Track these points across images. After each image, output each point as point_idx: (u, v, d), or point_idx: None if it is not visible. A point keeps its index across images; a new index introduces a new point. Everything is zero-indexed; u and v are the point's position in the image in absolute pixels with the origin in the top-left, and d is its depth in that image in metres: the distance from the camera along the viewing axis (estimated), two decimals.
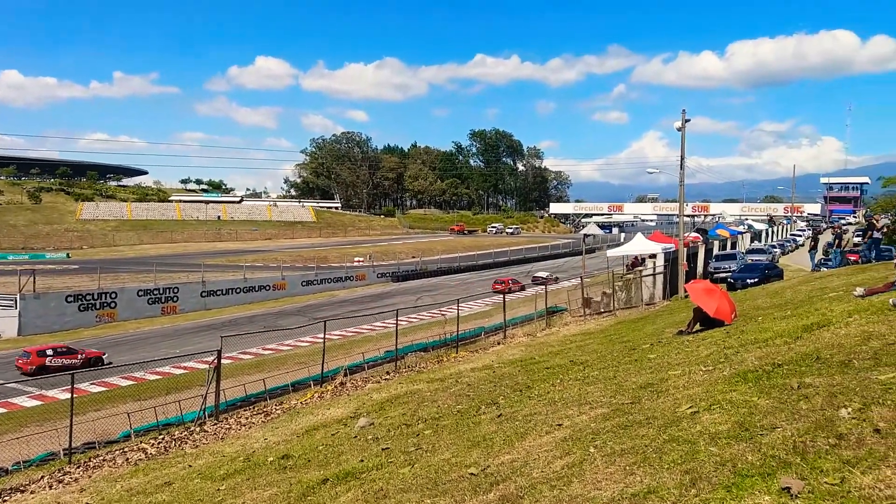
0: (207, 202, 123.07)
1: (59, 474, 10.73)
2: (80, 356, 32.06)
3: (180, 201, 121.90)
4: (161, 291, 48.52)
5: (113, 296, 45.57)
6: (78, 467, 11.09)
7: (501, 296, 28.96)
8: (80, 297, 43.70)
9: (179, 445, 11.69)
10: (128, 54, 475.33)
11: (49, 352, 31.58)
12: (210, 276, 54.42)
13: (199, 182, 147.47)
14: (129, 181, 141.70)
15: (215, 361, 14.27)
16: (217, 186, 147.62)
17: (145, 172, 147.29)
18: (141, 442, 12.71)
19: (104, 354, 33.11)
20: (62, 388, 24.98)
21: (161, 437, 12.73)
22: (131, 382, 29.44)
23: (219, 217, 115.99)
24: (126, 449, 12.09)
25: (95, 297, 44.42)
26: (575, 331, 20.04)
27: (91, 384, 28.69)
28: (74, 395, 13.35)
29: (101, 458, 11.59)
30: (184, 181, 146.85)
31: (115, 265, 63.67)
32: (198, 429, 12.98)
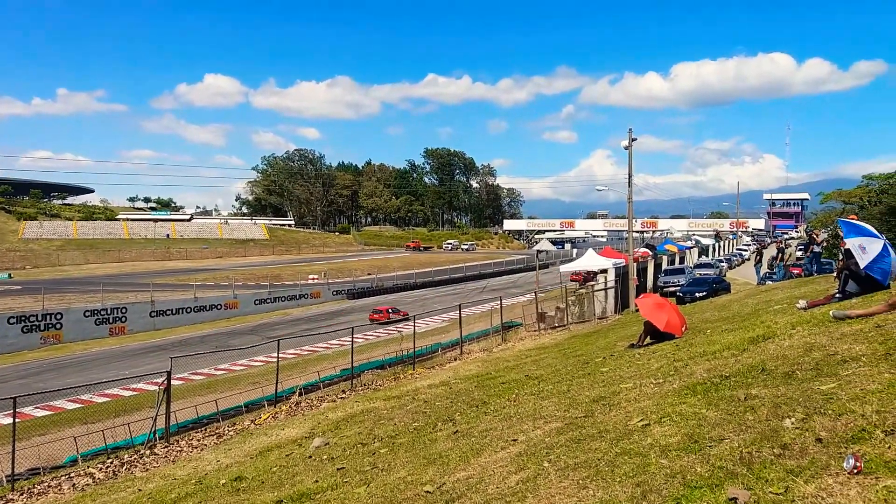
0: (156, 220, 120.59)
1: (2, 503, 10.33)
2: None
3: (128, 220, 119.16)
4: (109, 312, 47.21)
5: (58, 317, 44.15)
6: (21, 494, 10.71)
7: (458, 311, 29.02)
8: (23, 318, 42.23)
9: (129, 469, 11.37)
10: (72, 71, 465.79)
11: None
12: (159, 295, 53.21)
13: (147, 200, 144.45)
14: (74, 199, 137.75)
15: (165, 383, 13.96)
16: (166, 205, 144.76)
17: (91, 191, 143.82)
18: (88, 466, 12.31)
19: None
20: (3, 413, 24.04)
21: (109, 461, 12.35)
22: (78, 405, 28.50)
23: (168, 235, 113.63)
24: (73, 474, 11.70)
25: (40, 318, 42.98)
26: (530, 345, 20.19)
27: (35, 408, 27.69)
28: (17, 420, 12.88)
29: (47, 484, 11.20)
30: (131, 199, 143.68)
31: (61, 285, 61.75)
32: (148, 452, 12.65)
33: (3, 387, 30.43)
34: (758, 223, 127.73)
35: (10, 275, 75.15)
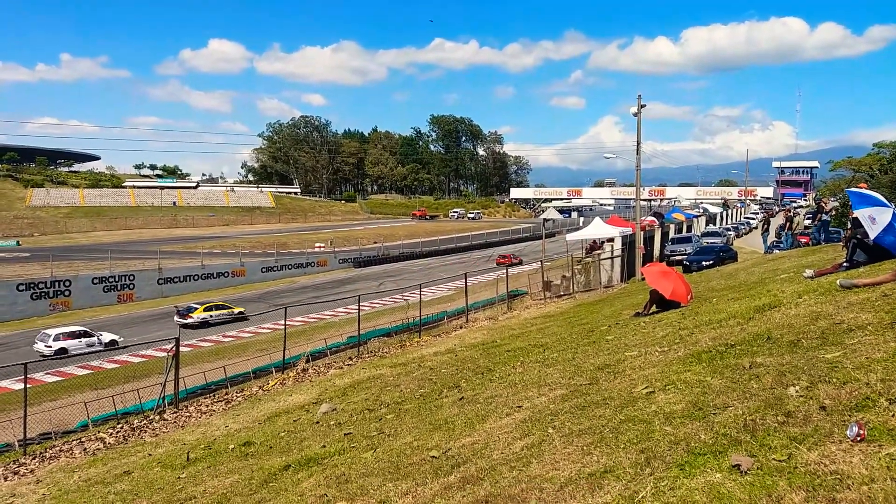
0: (162, 188, 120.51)
1: (15, 466, 10.52)
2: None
3: (134, 187, 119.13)
4: (117, 279, 47.47)
5: (67, 284, 44.44)
6: (34, 458, 10.89)
7: (463, 280, 29.02)
8: (32, 285, 42.53)
9: (139, 434, 11.54)
10: (75, 37, 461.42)
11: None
12: (167, 263, 53.44)
13: (153, 167, 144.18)
14: (80, 167, 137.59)
15: (174, 349, 14.09)
16: (172, 172, 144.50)
17: (97, 158, 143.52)
18: (99, 431, 12.51)
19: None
20: (15, 378, 24.37)
21: (120, 426, 12.55)
22: (88, 371, 28.85)
23: (174, 203, 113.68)
24: (83, 439, 11.89)
25: (48, 285, 43.27)
26: (536, 314, 20.27)
27: (46, 374, 28.05)
28: (29, 385, 13.06)
29: (58, 448, 11.38)
30: (138, 167, 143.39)
31: (69, 252, 62.03)
32: (157, 417, 12.83)
33: (15, 353, 30.81)
34: (766, 191, 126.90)
35: (18, 242, 75.51)
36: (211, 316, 38.61)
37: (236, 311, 39.76)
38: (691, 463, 3.15)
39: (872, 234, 8.10)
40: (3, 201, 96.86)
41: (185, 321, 36.80)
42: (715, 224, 61.02)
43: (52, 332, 32.06)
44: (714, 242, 37.15)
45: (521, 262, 56.72)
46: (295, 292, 50.87)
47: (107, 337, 32.91)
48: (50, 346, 30.68)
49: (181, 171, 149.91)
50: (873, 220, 8.06)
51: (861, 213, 8.26)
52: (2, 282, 42.98)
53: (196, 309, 38.42)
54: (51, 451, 11.23)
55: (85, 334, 32.47)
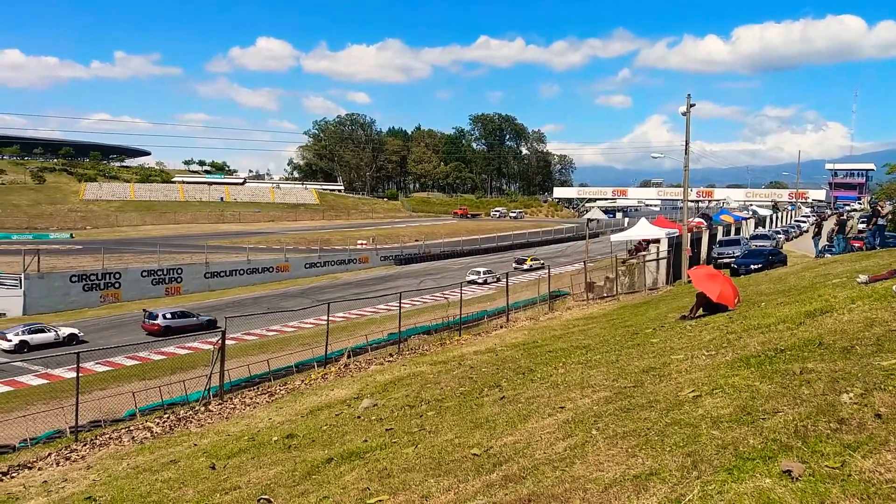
0: (210, 184, 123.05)
1: (66, 452, 10.85)
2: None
3: (183, 182, 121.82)
4: (165, 272, 48.63)
5: (117, 276, 45.70)
6: (84, 445, 11.21)
7: (504, 280, 28.94)
8: (84, 276, 43.84)
9: (184, 425, 11.80)
10: (128, 34, 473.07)
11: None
12: (213, 257, 54.50)
13: (202, 163, 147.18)
14: (131, 162, 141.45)
15: (219, 342, 14.35)
16: (220, 168, 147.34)
17: (148, 153, 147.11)
18: (146, 421, 12.83)
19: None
20: (68, 367, 25.16)
21: (166, 416, 12.84)
22: (136, 362, 29.62)
23: (222, 199, 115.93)
24: (132, 427, 12.21)
25: (99, 277, 44.55)
26: (578, 315, 20.10)
27: (96, 363, 28.88)
28: (80, 374, 13.46)
29: (108, 436, 11.71)
30: (187, 162, 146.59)
31: (119, 245, 63.78)
32: (203, 408, 13.09)
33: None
34: (818, 194, 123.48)
35: (71, 234, 77.94)
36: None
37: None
38: (740, 467, 3.10)
39: None
40: (58, 195, 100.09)
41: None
42: (764, 227, 59.63)
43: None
44: (763, 245, 36.31)
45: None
46: (337, 288, 51.41)
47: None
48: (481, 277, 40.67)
49: (229, 167, 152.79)
50: None
51: None
52: (56, 273, 44.37)
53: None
54: (101, 439, 11.55)
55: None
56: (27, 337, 31.98)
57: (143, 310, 37.53)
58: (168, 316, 36.05)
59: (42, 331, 32.82)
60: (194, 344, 30.74)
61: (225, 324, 15.41)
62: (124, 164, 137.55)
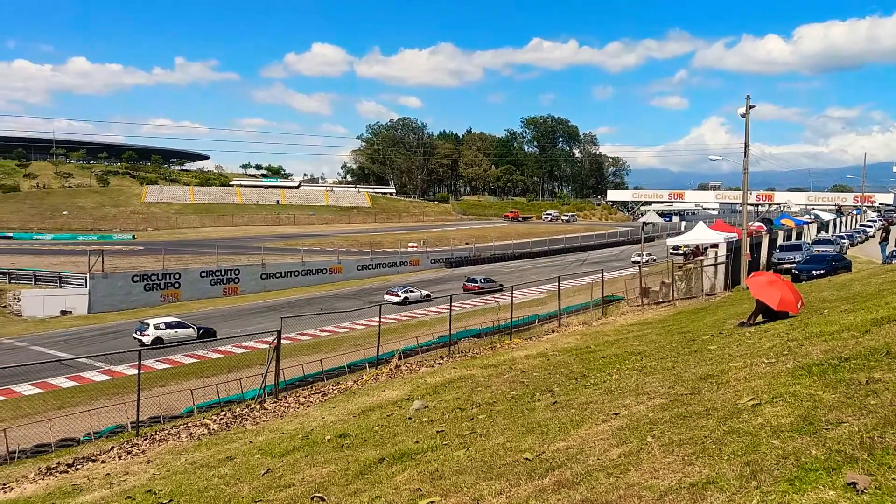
0: (267, 187, 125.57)
1: (128, 446, 11.19)
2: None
3: (241, 186, 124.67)
4: (223, 273, 49.83)
5: (177, 276, 47.03)
6: (145, 440, 11.54)
7: (556, 284, 28.75)
8: (145, 276, 45.29)
9: (240, 422, 12.03)
10: (188, 41, 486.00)
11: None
12: (269, 258, 55.61)
13: (258, 167, 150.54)
14: (191, 165, 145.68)
15: (275, 341, 14.61)
16: (276, 172, 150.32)
17: (207, 157, 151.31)
18: (203, 418, 13.13)
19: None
20: (129, 364, 26.01)
21: (223, 413, 13.12)
22: (194, 360, 30.42)
23: (277, 202, 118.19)
24: (189, 424, 12.51)
25: (160, 277, 45.95)
26: (632, 320, 19.79)
27: (156, 361, 29.78)
28: (141, 371, 13.89)
29: (167, 431, 12.03)
30: (244, 166, 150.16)
31: (179, 247, 65.62)
32: (258, 406, 13.33)
33: (129, 340, 32.88)
34: (885, 198, 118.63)
35: (133, 236, 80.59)
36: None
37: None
38: (801, 478, 3.01)
39: None
40: (122, 198, 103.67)
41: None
42: (827, 231, 57.76)
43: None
44: (826, 251, 35.12)
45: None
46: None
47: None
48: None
49: (284, 170, 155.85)
50: None
51: None
52: (119, 273, 45.95)
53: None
54: (160, 434, 11.87)
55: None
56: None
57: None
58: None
59: (413, 290, 42.46)
60: (250, 343, 31.39)
61: (281, 324, 15.69)
62: (184, 167, 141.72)
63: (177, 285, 46.66)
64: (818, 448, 3.34)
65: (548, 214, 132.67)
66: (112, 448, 11.23)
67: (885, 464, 2.95)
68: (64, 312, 41.00)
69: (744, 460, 3.46)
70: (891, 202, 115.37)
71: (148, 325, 33.50)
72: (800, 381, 4.90)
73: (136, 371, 14.00)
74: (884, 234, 28.11)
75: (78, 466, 10.21)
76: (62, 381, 26.74)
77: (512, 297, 26.36)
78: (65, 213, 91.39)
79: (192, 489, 7.23)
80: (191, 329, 34.11)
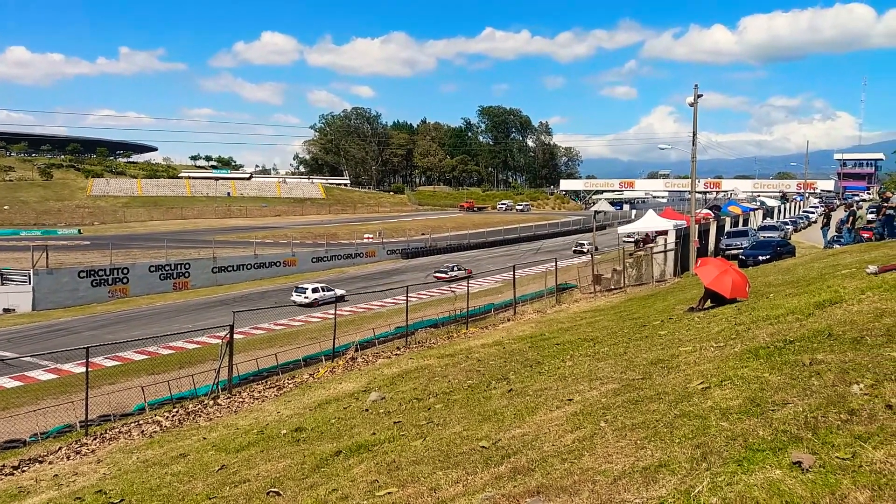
0: (217, 179, 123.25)
1: (77, 446, 10.92)
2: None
3: (190, 178, 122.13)
4: (172, 267, 48.79)
5: (125, 271, 45.88)
6: (94, 439, 11.28)
7: (511, 273, 28.96)
8: (92, 272, 44.05)
9: (193, 418, 11.85)
10: (133, 30, 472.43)
11: None
12: (221, 252, 54.68)
13: (208, 159, 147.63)
14: (138, 157, 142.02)
15: (228, 336, 14.40)
16: (226, 163, 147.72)
17: (155, 149, 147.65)
18: (156, 415, 12.89)
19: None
20: (77, 362, 25.32)
21: (175, 410, 12.90)
22: (145, 357, 29.78)
23: (228, 194, 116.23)
24: (141, 421, 12.28)
25: (108, 272, 44.76)
26: (585, 307, 20.08)
27: (105, 358, 29.03)
28: (89, 369, 13.54)
29: (117, 430, 11.78)
30: (193, 158, 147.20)
31: (127, 241, 64.05)
32: (211, 402, 13.15)
33: (76, 338, 32.03)
34: (827, 184, 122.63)
35: (79, 230, 78.31)
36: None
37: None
38: (749, 459, 3.08)
39: None
40: (66, 191, 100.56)
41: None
42: (772, 218, 59.35)
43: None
44: (771, 237, 36.11)
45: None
46: (344, 282, 51.47)
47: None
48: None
49: (235, 162, 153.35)
50: None
51: None
52: (65, 269, 44.60)
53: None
54: (110, 433, 11.62)
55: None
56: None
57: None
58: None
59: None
60: (202, 338, 30.85)
61: (233, 318, 15.45)
62: (131, 159, 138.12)
63: (125, 280, 45.50)
64: (765, 429, 3.43)
65: (502, 204, 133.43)
66: (60, 448, 10.94)
67: (829, 442, 3.05)
68: (7, 310, 39.61)
69: (694, 443, 3.53)
70: (832, 189, 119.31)
71: (306, 288, 42.03)
72: (747, 364, 5.03)
73: (83, 369, 13.64)
74: (825, 220, 29.06)
75: (24, 468, 9.91)
76: (6, 381, 25.88)
77: (468, 286, 26.49)
78: (6, 207, 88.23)
79: (144, 488, 7.08)
80: (333, 292, 42.37)
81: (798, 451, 3.00)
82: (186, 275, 49.21)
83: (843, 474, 2.72)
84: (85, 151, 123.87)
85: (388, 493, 4.40)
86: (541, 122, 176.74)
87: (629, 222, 54.24)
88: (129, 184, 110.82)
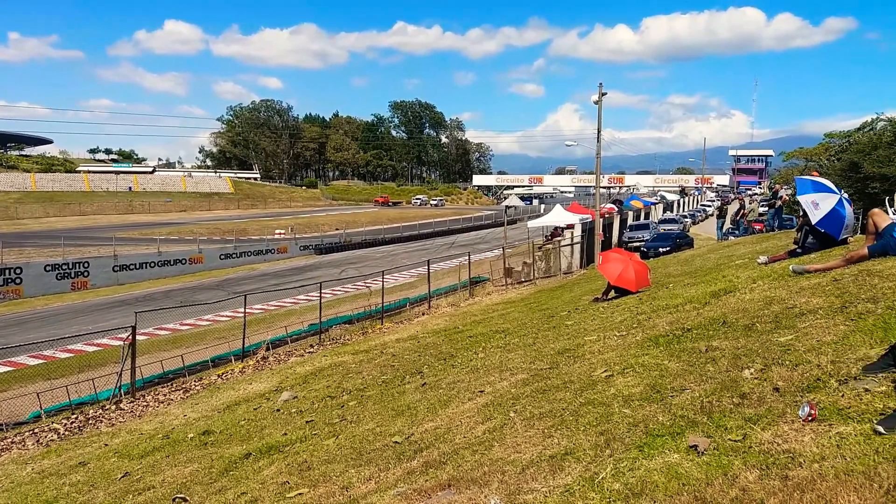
0: (118, 173, 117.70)
1: None
2: None
3: (89, 172, 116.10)
4: (70, 266, 46.23)
5: (17, 271, 43.10)
6: None
7: (426, 267, 29.04)
8: None
9: (94, 424, 11.32)
10: (24, 14, 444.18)
11: None
12: (122, 249, 52.24)
13: (108, 152, 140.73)
14: (31, 151, 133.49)
15: (130, 338, 13.84)
16: (128, 156, 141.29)
17: (50, 141, 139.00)
18: (52, 422, 12.23)
19: None
20: None
21: (74, 416, 12.28)
22: (41, 361, 28.06)
23: (130, 188, 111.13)
24: (36, 430, 11.63)
25: None
26: (497, 300, 20.40)
27: None
28: None
29: (10, 440, 11.10)
30: (92, 151, 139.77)
31: (20, 239, 60.19)
32: (113, 407, 12.60)
33: None
34: (723, 179, 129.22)
35: None
36: None
37: None
38: (650, 444, 3.21)
39: (814, 219, 8.28)
40: None
41: None
42: (672, 211, 62.07)
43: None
44: (671, 229, 37.78)
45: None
46: (255, 279, 50.18)
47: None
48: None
49: (137, 155, 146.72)
50: (816, 205, 8.23)
51: (804, 199, 8.40)
52: None
53: None
54: (2, 443, 10.94)
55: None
56: None
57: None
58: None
59: None
60: (103, 340, 29.40)
61: (135, 319, 14.82)
62: (24, 153, 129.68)
63: (18, 281, 42.76)
64: (664, 414, 3.58)
65: (417, 199, 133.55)
66: None
67: (722, 426, 3.21)
68: None
69: (598, 430, 3.65)
70: (727, 183, 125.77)
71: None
72: (648, 352, 5.23)
73: None
74: (720, 213, 30.58)
75: None
76: None
77: (383, 281, 26.37)
78: None
79: (39, 500, 6.71)
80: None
81: (694, 436, 3.15)
82: (85, 274, 46.75)
83: (735, 455, 2.87)
84: None
85: (299, 493, 4.34)
86: (453, 119, 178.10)
87: (538, 216, 55.40)
88: (22, 178, 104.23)
